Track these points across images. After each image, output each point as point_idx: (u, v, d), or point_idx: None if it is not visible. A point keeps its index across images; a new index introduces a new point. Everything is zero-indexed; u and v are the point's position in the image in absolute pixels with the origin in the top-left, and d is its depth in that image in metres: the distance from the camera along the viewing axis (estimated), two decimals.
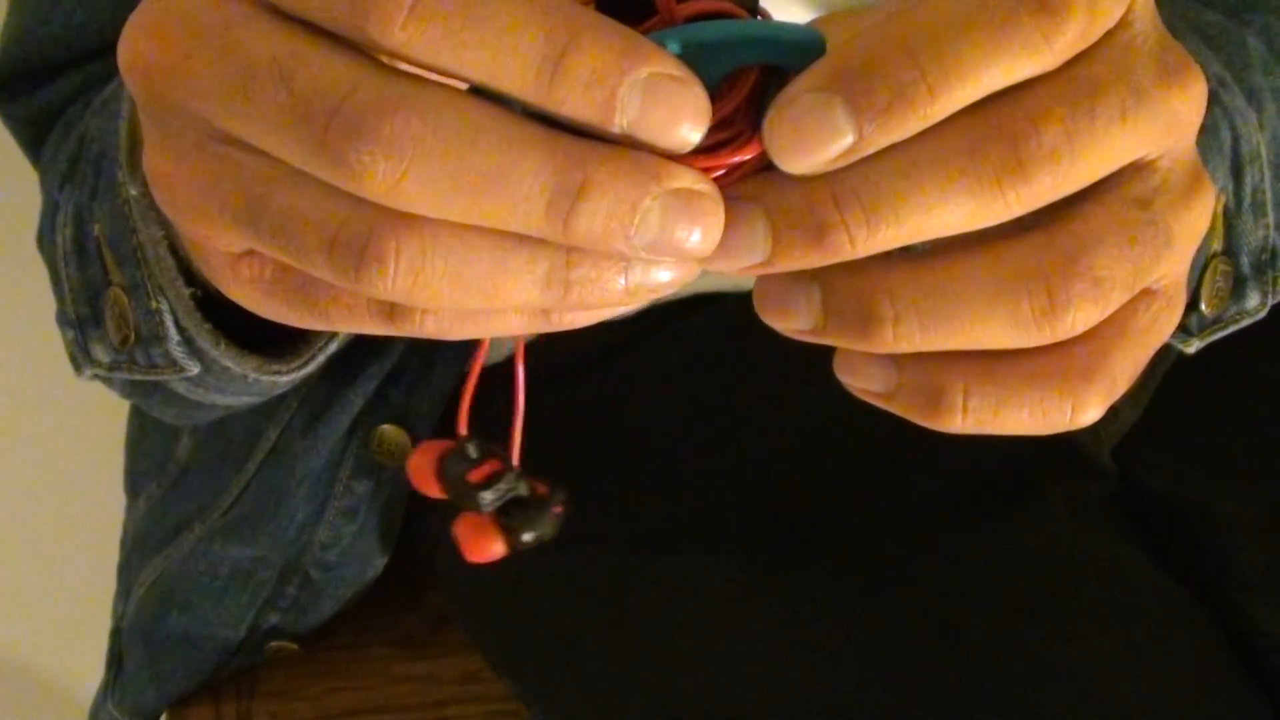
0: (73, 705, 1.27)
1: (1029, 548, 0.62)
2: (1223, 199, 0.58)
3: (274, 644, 0.77)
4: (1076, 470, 0.68)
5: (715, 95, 0.33)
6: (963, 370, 0.35)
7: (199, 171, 0.35)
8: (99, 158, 0.57)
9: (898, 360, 0.36)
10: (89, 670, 0.87)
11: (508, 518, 0.38)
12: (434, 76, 0.32)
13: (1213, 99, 0.57)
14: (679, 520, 0.67)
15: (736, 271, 0.34)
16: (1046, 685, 0.55)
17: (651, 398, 0.70)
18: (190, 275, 0.50)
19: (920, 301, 0.34)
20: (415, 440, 0.71)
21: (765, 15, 0.35)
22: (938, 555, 0.61)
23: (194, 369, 0.54)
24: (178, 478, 0.77)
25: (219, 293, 0.38)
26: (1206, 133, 0.56)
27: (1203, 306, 0.58)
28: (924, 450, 0.64)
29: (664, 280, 0.34)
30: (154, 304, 0.53)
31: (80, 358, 0.58)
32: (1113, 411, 0.37)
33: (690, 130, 0.32)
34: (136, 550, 0.79)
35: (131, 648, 0.78)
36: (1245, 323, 0.60)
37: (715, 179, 0.33)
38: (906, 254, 0.34)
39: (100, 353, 0.57)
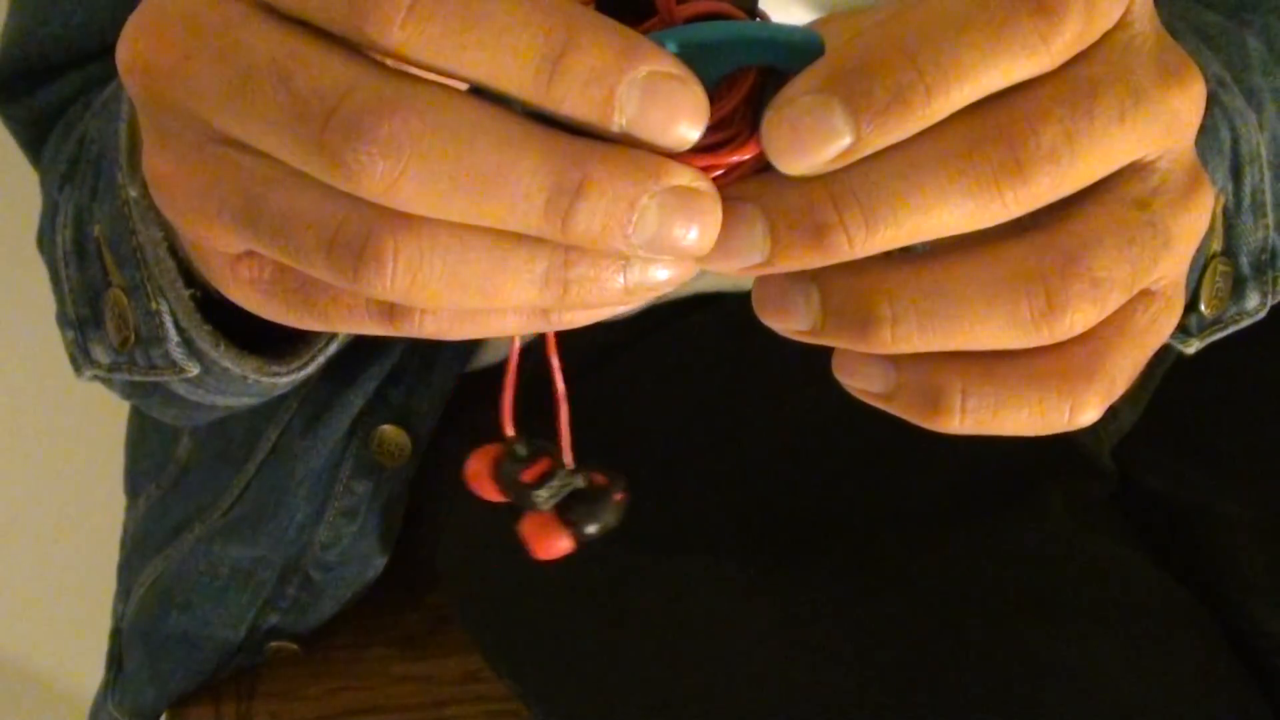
0: (73, 705, 1.27)
1: (1029, 548, 0.62)
2: (1222, 199, 0.58)
3: (274, 644, 0.77)
4: (1076, 470, 0.68)
5: (713, 96, 0.33)
6: (961, 371, 0.35)
7: (198, 172, 0.35)
8: (99, 158, 0.57)
9: (896, 361, 0.36)
10: (89, 670, 0.87)
11: (569, 512, 0.38)
12: (433, 76, 0.32)
13: (1212, 100, 0.57)
14: (679, 520, 0.67)
15: (735, 272, 0.34)
16: (1046, 685, 0.55)
17: (651, 398, 0.70)
18: (190, 276, 0.50)
19: (919, 302, 0.34)
20: (416, 440, 0.71)
21: (764, 17, 0.35)
22: (937, 555, 0.61)
23: (194, 370, 0.54)
24: (178, 478, 0.77)
25: (219, 294, 0.38)
26: (1206, 133, 0.56)
27: (1202, 307, 0.58)
28: (924, 450, 0.64)
29: (662, 279, 0.34)
30: (154, 305, 0.53)
31: (80, 359, 0.59)
32: (1112, 412, 0.37)
33: (688, 129, 0.32)
34: (136, 550, 0.79)
35: (131, 648, 0.78)
36: (1245, 323, 0.60)
37: (714, 179, 0.33)
38: (905, 255, 0.34)
39: (100, 354, 0.57)
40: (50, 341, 0.61)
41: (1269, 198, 0.59)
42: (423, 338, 0.35)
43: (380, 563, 0.75)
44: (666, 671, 0.63)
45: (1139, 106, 0.33)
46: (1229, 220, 0.58)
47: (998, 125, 0.32)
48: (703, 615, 0.63)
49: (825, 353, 0.37)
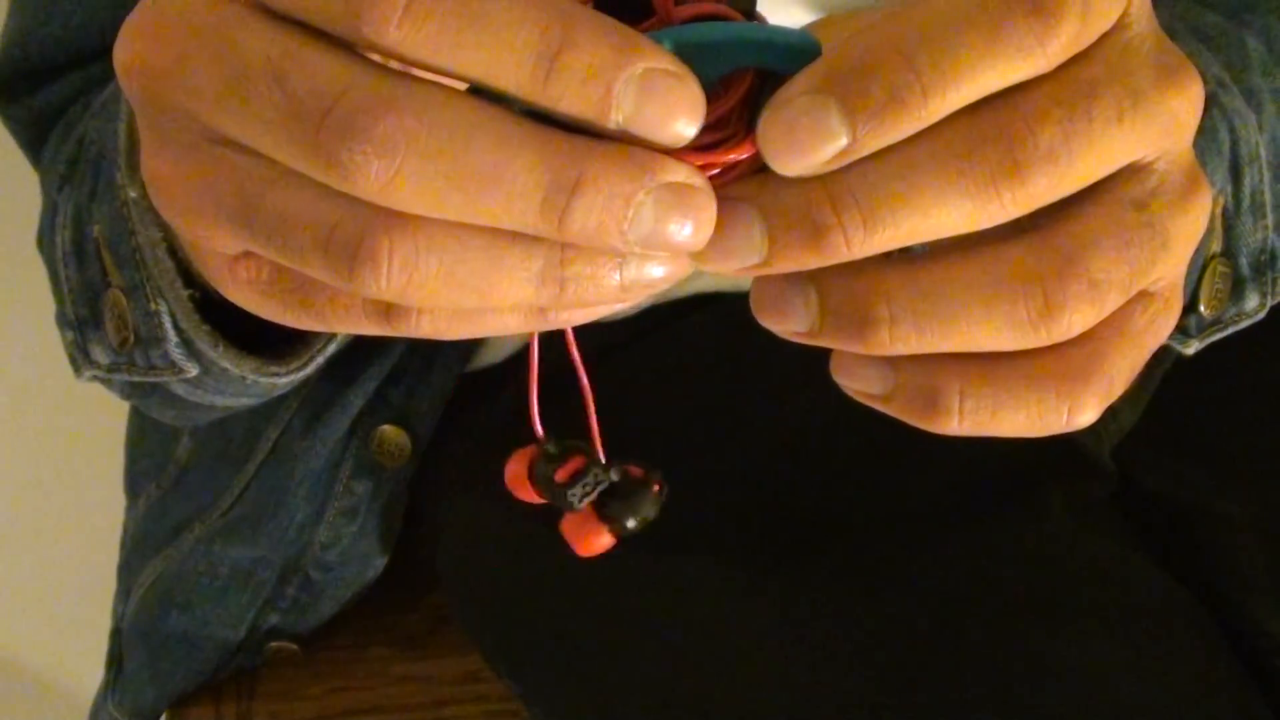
0: (73, 705, 1.27)
1: (1029, 548, 0.62)
2: (1222, 200, 0.58)
3: (274, 644, 0.77)
4: (1077, 471, 0.68)
5: (710, 97, 0.33)
6: (959, 372, 0.35)
7: (195, 173, 0.35)
8: (98, 159, 0.57)
9: (894, 362, 0.36)
10: (89, 670, 0.87)
11: (606, 508, 0.38)
12: (430, 76, 0.32)
13: (1212, 100, 0.57)
14: (679, 520, 0.66)
15: (734, 272, 0.34)
16: (1046, 685, 0.55)
17: (651, 398, 0.70)
18: (190, 277, 0.50)
19: (917, 304, 0.34)
20: (416, 440, 0.71)
21: (761, 19, 0.35)
22: (937, 555, 0.61)
23: (193, 370, 0.54)
24: (178, 478, 0.77)
25: (219, 294, 0.38)
26: (1205, 134, 0.56)
27: (1202, 308, 0.58)
28: (923, 451, 0.64)
29: (658, 276, 0.34)
30: (153, 306, 0.53)
31: (79, 359, 0.59)
32: (1112, 412, 0.37)
33: (685, 125, 0.32)
34: (136, 550, 0.79)
35: (131, 648, 0.78)
36: (1244, 324, 0.60)
37: (710, 178, 0.33)
38: (903, 256, 0.34)
39: (99, 354, 0.57)
40: (50, 341, 0.61)
41: (1268, 199, 0.59)
42: (421, 337, 0.35)
43: (380, 563, 0.75)
44: (666, 671, 0.63)
45: (1137, 107, 0.33)
46: (1228, 221, 0.58)
47: (996, 126, 0.32)
48: (703, 615, 0.63)
49: (824, 353, 0.37)
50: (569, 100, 0.31)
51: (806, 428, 0.67)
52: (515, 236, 0.32)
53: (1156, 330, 0.36)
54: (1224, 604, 0.66)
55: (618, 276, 0.33)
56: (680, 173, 0.32)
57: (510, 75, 0.31)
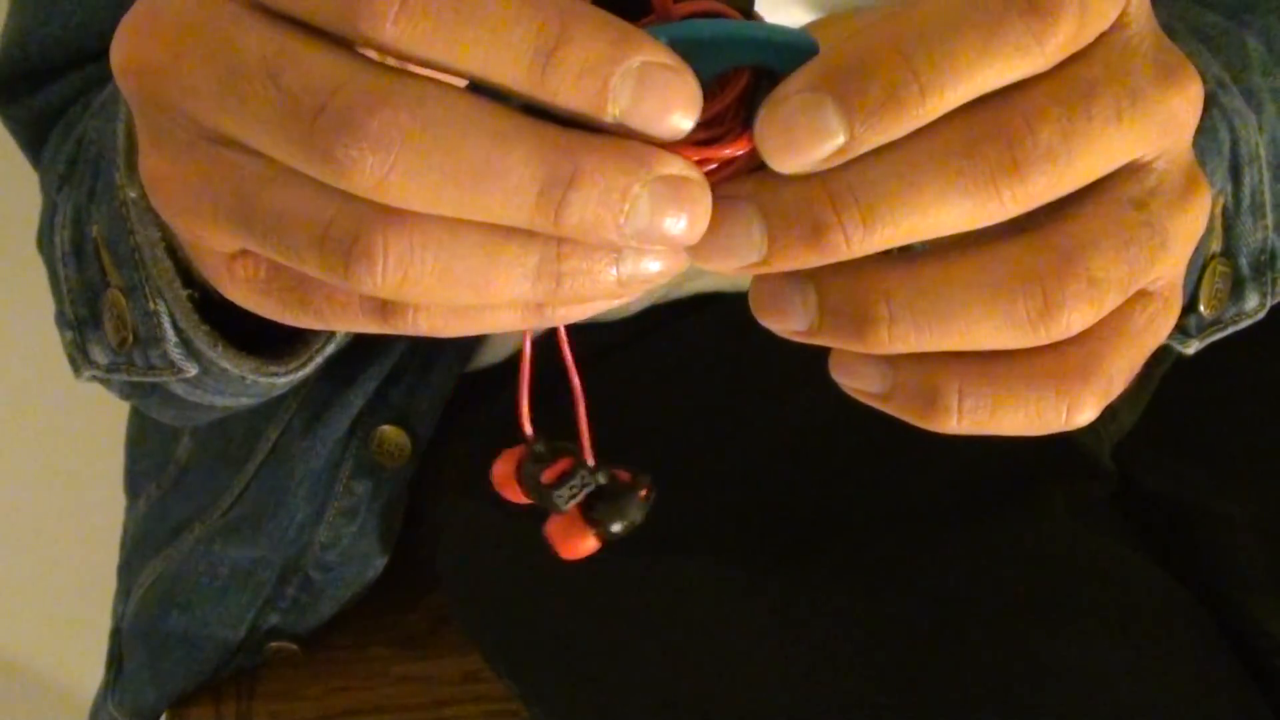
0: (73, 705, 1.27)
1: (1029, 548, 0.62)
2: (1221, 200, 0.58)
3: (274, 644, 0.77)
4: (1077, 470, 0.68)
5: (706, 95, 0.33)
6: (958, 371, 0.35)
7: (192, 172, 0.35)
8: (97, 159, 0.57)
9: (893, 361, 0.36)
10: (89, 670, 0.87)
11: (592, 511, 0.38)
12: (427, 72, 0.32)
13: (1211, 100, 0.57)
14: (678, 520, 0.67)
15: (733, 271, 0.34)
16: (1046, 685, 0.55)
17: (650, 398, 0.70)
18: (189, 276, 0.50)
19: (916, 302, 0.34)
20: (415, 440, 0.71)
21: (758, 19, 0.35)
22: (937, 555, 0.61)
23: (192, 370, 0.54)
24: (178, 478, 0.77)
25: (219, 294, 0.38)
26: (1205, 134, 0.56)
27: (1201, 308, 0.58)
28: (923, 451, 0.64)
29: (655, 270, 0.34)
30: (152, 305, 0.53)
31: (79, 359, 0.59)
32: (1112, 412, 0.37)
33: (682, 118, 0.32)
34: (136, 550, 0.79)
35: (131, 648, 0.78)
36: (1244, 324, 0.60)
37: (706, 174, 0.33)
38: (902, 255, 0.34)
39: (98, 354, 0.57)
40: (50, 341, 0.61)
41: (1268, 198, 0.59)
42: (418, 335, 0.35)
43: (380, 563, 0.75)
44: (666, 671, 0.63)
45: (1136, 106, 0.33)
46: (1228, 221, 0.58)
47: (995, 124, 0.32)
48: (703, 615, 0.63)
49: (824, 353, 0.37)
50: (566, 94, 0.31)
51: (806, 428, 0.67)
52: (511, 232, 0.32)
53: (1156, 329, 0.36)
54: (1224, 604, 0.66)
55: (614, 271, 0.33)
56: (676, 165, 0.32)
57: (507, 70, 0.31)
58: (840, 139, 0.32)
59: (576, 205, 0.31)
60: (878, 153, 0.33)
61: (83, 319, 0.57)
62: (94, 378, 0.59)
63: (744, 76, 0.34)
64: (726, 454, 0.68)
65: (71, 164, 0.60)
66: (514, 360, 0.73)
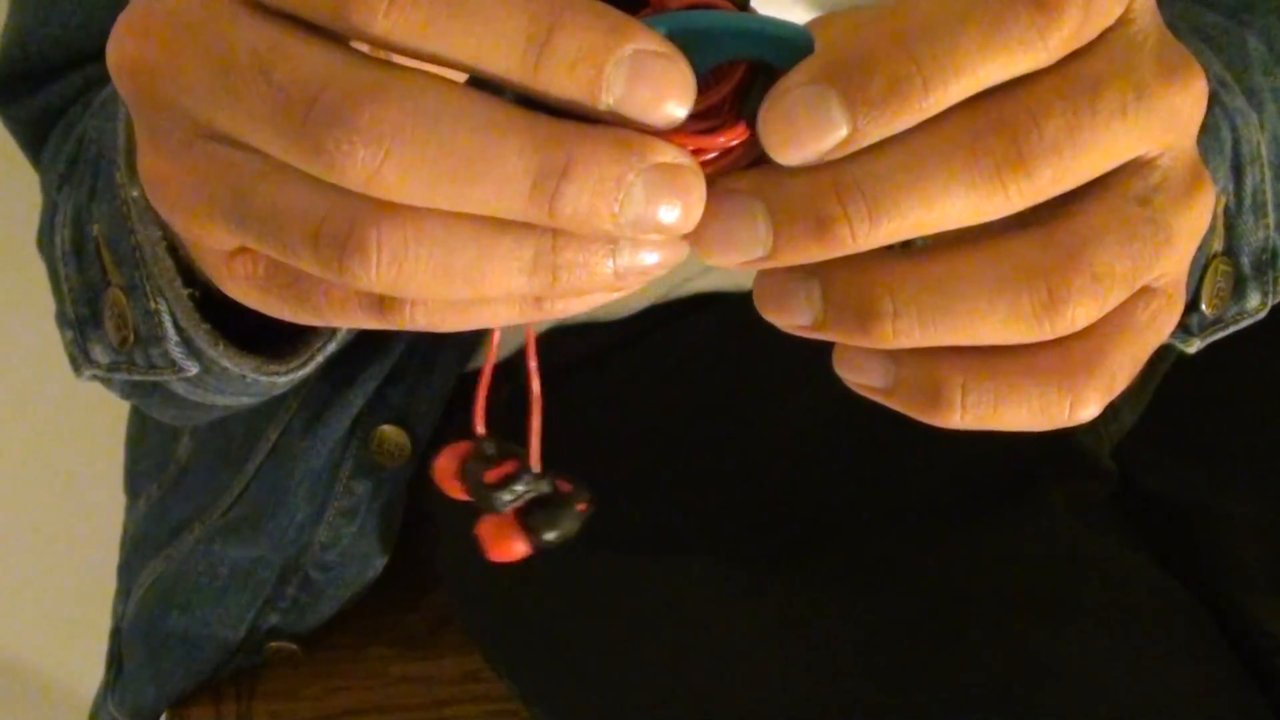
0: (73, 705, 1.27)
1: (1029, 548, 0.62)
2: (1223, 199, 0.58)
3: (274, 644, 0.77)
4: (1077, 470, 0.68)
5: (701, 88, 0.32)
6: (962, 366, 0.35)
7: (188, 170, 0.34)
8: (97, 158, 0.57)
9: (897, 356, 0.36)
10: (89, 670, 0.87)
11: (529, 517, 0.37)
12: (421, 64, 0.32)
13: (1213, 100, 0.57)
14: (679, 520, 0.67)
15: (738, 266, 0.34)
16: (1046, 685, 0.55)
17: (651, 398, 0.70)
18: (190, 275, 0.50)
19: (920, 297, 0.34)
20: (415, 440, 0.71)
21: (753, 13, 0.35)
22: (938, 555, 0.61)
23: (193, 369, 0.54)
24: (178, 478, 0.77)
25: (220, 292, 0.38)
26: (1207, 133, 0.56)
27: (1203, 306, 0.58)
28: (924, 450, 0.64)
29: (651, 262, 0.34)
30: (152, 304, 0.53)
31: (79, 358, 0.58)
32: (1113, 411, 0.37)
33: (676, 106, 0.32)
34: (136, 550, 0.79)
35: (131, 648, 0.78)
36: (1246, 323, 0.60)
37: (703, 163, 0.33)
38: (906, 250, 0.34)
39: (99, 353, 0.57)
40: (50, 341, 0.61)
41: (1270, 198, 0.59)
42: (416, 330, 0.35)
43: (380, 563, 0.75)
44: (666, 671, 0.63)
45: (1141, 102, 0.33)
46: (1230, 220, 0.58)
47: (1000, 118, 0.32)
48: (703, 615, 0.63)
49: (825, 352, 0.37)
50: (560, 83, 0.31)
51: (806, 428, 0.67)
52: (506, 225, 0.32)
53: (1159, 326, 0.36)
54: (1224, 604, 0.66)
55: (611, 263, 0.33)
56: (670, 153, 0.32)
57: (500, 61, 0.31)
58: (843, 131, 0.32)
59: (570, 195, 0.31)
60: (884, 147, 0.33)
61: (83, 318, 0.57)
62: (95, 377, 0.59)
63: (739, 70, 0.34)
64: (727, 454, 0.68)
65: (72, 163, 0.60)
66: (514, 360, 0.73)
